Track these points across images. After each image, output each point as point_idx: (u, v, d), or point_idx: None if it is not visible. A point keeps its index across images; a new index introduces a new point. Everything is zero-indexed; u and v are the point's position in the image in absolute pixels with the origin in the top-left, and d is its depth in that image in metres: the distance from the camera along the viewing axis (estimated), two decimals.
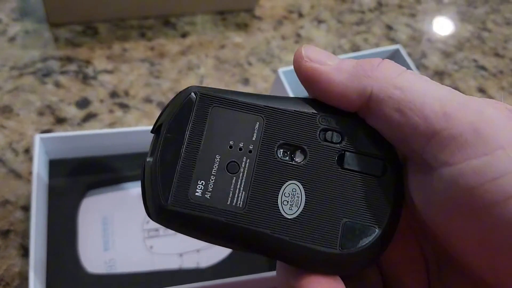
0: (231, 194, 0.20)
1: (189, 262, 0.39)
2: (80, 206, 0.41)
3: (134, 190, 0.42)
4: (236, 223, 0.20)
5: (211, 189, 0.20)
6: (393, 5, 0.64)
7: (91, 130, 0.43)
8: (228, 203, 0.20)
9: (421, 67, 0.58)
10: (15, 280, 0.37)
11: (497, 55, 0.61)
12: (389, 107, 0.19)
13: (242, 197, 0.20)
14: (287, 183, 0.20)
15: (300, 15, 0.61)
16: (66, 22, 0.54)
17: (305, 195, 0.20)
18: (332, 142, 0.21)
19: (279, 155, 0.21)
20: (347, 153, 0.21)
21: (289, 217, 0.20)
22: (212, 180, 0.20)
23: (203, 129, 0.21)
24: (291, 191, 0.20)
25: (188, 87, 0.21)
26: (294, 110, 0.21)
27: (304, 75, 0.21)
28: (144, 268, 0.38)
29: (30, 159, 0.43)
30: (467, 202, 0.18)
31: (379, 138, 0.21)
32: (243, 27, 0.58)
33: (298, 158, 0.21)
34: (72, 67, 0.51)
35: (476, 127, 0.18)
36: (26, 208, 0.41)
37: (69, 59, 0.52)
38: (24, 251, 0.39)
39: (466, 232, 0.18)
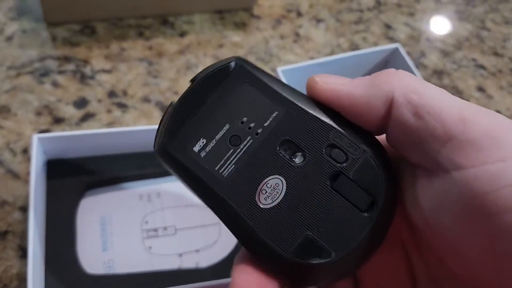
0: (221, 162, 0.21)
1: (189, 263, 0.39)
2: (78, 206, 0.40)
3: (132, 190, 0.42)
4: (213, 186, 0.21)
5: (207, 150, 0.21)
6: (392, 4, 0.64)
7: (89, 130, 0.43)
8: (216, 168, 0.21)
9: (420, 66, 0.57)
10: (14, 282, 0.37)
11: (496, 54, 0.60)
12: (408, 111, 0.20)
13: (230, 170, 0.21)
14: (274, 176, 0.21)
15: (299, 14, 0.61)
16: (64, 21, 0.54)
17: (285, 194, 0.21)
18: (334, 160, 0.21)
19: (280, 149, 0.21)
20: (342, 176, 0.21)
21: (260, 206, 0.20)
22: (212, 143, 0.21)
23: (226, 96, 0.22)
24: (274, 185, 0.21)
25: (234, 56, 0.23)
26: (314, 115, 0.21)
27: (324, 97, 0.21)
28: (143, 268, 0.38)
29: (28, 160, 0.43)
30: (479, 206, 0.18)
31: (383, 175, 0.21)
32: (241, 26, 0.58)
33: (296, 159, 0.21)
34: (70, 66, 0.51)
35: (493, 133, 0.18)
36: (24, 209, 0.40)
37: (67, 59, 0.51)
38: (23, 252, 0.38)
39: (475, 237, 0.18)
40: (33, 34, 0.53)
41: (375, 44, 0.59)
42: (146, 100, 0.49)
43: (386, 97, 0.20)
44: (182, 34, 0.56)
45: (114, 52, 0.53)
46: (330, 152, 0.21)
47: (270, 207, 0.20)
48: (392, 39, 0.60)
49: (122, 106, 0.48)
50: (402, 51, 0.49)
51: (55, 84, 0.49)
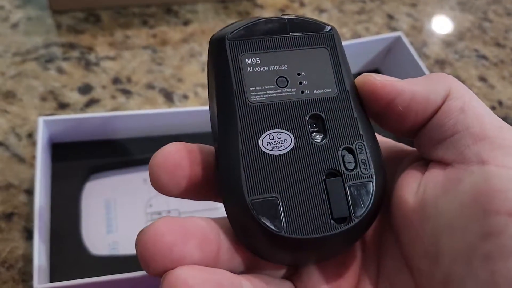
0: (258, 87, 0.21)
1: None
2: (83, 189, 0.41)
3: (137, 174, 0.42)
4: (235, 97, 0.21)
5: (255, 70, 0.21)
6: None
7: (94, 113, 0.43)
8: (250, 88, 0.21)
9: (422, 56, 0.58)
10: (19, 262, 0.38)
11: (498, 44, 0.61)
12: (457, 104, 0.21)
13: (259, 98, 0.21)
14: (289, 133, 0.21)
15: (302, 4, 0.61)
16: (68, 9, 0.54)
17: (285, 154, 0.20)
18: (343, 162, 0.21)
19: (309, 118, 0.21)
20: (339, 179, 0.21)
21: (259, 144, 0.20)
22: (264, 68, 0.21)
23: (304, 45, 0.22)
24: (283, 139, 0.21)
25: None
26: (355, 116, 0.22)
27: (384, 92, 0.21)
28: None
29: (33, 144, 0.44)
30: (486, 201, 0.18)
31: (371, 205, 0.21)
32: (244, 15, 0.58)
33: (317, 134, 0.21)
34: (75, 53, 0.51)
35: None
36: (30, 192, 0.41)
37: (71, 46, 0.52)
38: (28, 234, 0.39)
39: (467, 231, 0.18)
40: (38, 22, 0.53)
41: (378, 34, 0.59)
42: (150, 86, 0.50)
43: (445, 92, 0.21)
44: (186, 23, 0.56)
45: (119, 40, 0.53)
46: (345, 154, 0.21)
47: (265, 152, 0.20)
48: (394, 29, 0.60)
49: (126, 93, 0.49)
50: (405, 40, 0.49)
51: (60, 70, 0.49)
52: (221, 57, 0.21)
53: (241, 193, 0.20)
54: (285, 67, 0.22)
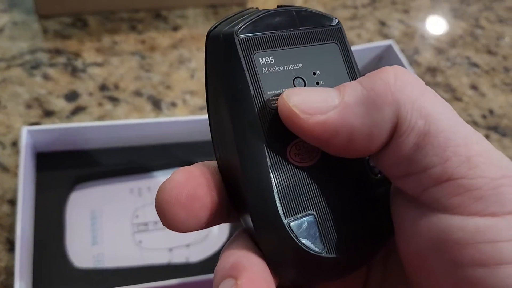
0: (276, 91, 0.19)
1: (179, 257, 0.39)
2: (68, 200, 0.40)
3: (123, 184, 0.42)
4: (255, 102, 0.18)
5: (271, 70, 0.19)
6: (386, 1, 0.64)
7: (79, 123, 0.42)
8: (268, 92, 0.18)
9: (414, 63, 0.57)
10: (1, 275, 0.37)
11: (489, 52, 0.60)
12: (410, 141, 0.17)
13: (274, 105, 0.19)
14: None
15: None
16: (55, 13, 0.53)
17: (315, 164, 0.19)
18: (370, 167, 0.20)
19: None
20: (366, 188, 0.19)
21: (287, 156, 0.18)
22: (279, 68, 0.19)
23: (315, 42, 0.20)
24: (309, 148, 0.19)
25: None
26: None
27: (314, 136, 0.17)
28: (133, 263, 0.38)
29: (17, 152, 0.43)
30: (453, 255, 0.16)
31: (389, 225, 0.19)
32: None
33: None
34: (61, 59, 0.50)
35: (498, 186, 0.16)
36: (13, 202, 0.40)
37: (58, 51, 0.51)
38: (11, 246, 0.38)
39: (440, 281, 0.17)
40: (24, 26, 0.52)
41: (369, 40, 0.59)
42: (138, 94, 0.49)
43: (391, 123, 0.17)
44: (175, 28, 0.55)
45: (106, 46, 0.52)
46: (369, 157, 0.19)
47: (295, 165, 0.18)
48: (386, 36, 0.60)
49: (114, 100, 0.48)
50: (396, 48, 0.49)
51: (46, 77, 0.49)
52: (232, 57, 0.18)
53: (277, 215, 0.17)
54: (300, 66, 0.19)
